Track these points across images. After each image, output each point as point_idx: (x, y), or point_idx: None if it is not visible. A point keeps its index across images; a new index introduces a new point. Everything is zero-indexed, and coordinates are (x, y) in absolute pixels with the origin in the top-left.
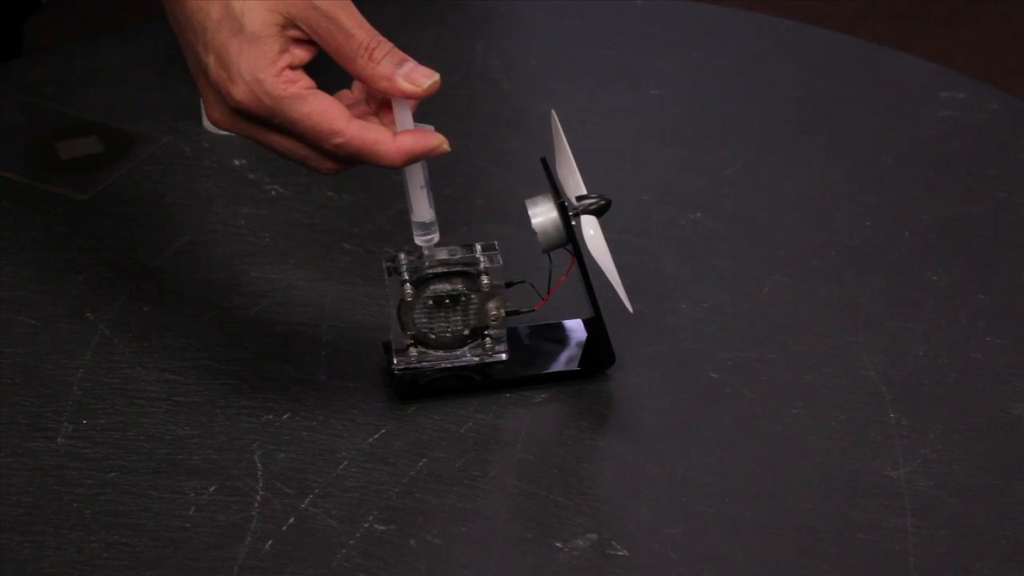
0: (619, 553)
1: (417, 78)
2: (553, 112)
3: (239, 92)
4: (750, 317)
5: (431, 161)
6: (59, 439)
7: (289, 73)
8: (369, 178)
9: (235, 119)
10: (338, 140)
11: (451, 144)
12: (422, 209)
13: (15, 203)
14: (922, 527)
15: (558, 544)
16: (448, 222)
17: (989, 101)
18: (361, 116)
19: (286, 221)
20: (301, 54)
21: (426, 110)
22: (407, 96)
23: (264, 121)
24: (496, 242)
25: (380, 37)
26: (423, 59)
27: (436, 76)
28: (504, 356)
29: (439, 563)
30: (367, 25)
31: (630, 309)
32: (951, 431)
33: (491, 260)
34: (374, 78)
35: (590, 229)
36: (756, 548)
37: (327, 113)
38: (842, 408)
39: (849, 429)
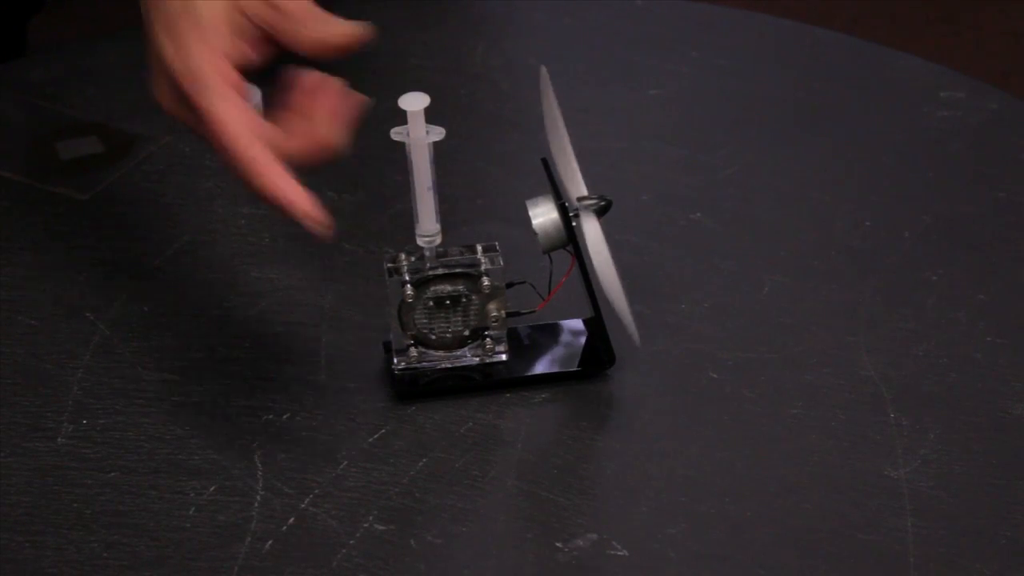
0: (619, 553)
1: (346, 29)
2: (544, 68)
3: (178, 68)
4: (750, 317)
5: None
6: (59, 439)
7: (224, 66)
8: (369, 178)
9: (172, 100)
10: (230, 150)
11: (451, 144)
12: (427, 216)
13: (15, 203)
14: (922, 527)
15: (558, 544)
16: (448, 222)
17: (989, 101)
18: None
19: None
20: (249, 53)
21: (427, 111)
22: (341, 44)
23: (191, 107)
24: (496, 243)
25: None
26: (423, 60)
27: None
28: (504, 356)
29: (439, 563)
30: None
31: (637, 342)
32: (951, 431)
33: (492, 261)
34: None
35: (591, 232)
36: (756, 548)
37: (231, 118)
38: (842, 408)
39: (849, 429)
